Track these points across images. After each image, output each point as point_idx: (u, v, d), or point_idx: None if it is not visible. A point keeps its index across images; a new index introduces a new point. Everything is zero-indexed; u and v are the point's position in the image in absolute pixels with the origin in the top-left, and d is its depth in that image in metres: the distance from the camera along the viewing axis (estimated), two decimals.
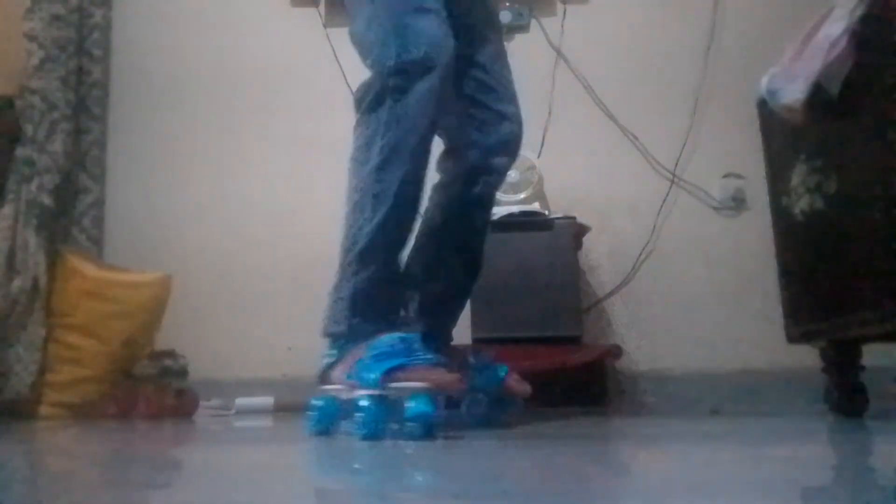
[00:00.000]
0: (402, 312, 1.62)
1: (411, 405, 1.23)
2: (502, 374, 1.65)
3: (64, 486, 0.88)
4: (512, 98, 1.73)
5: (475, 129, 1.67)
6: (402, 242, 1.48)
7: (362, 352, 1.34)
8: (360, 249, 1.42)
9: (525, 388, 1.65)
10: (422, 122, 1.45)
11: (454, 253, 1.69)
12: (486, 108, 1.69)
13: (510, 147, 1.69)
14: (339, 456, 1.21)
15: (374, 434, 1.25)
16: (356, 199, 1.46)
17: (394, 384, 1.27)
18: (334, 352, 1.43)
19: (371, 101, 1.47)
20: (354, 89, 1.53)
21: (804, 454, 1.06)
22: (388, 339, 1.32)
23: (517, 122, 1.70)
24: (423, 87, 1.43)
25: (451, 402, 1.63)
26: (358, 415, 1.27)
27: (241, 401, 2.45)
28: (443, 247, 1.69)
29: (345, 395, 1.37)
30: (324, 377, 1.45)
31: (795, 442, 1.24)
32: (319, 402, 1.42)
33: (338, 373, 1.41)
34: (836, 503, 0.70)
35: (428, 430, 1.25)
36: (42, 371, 2.39)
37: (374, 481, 0.89)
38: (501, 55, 1.78)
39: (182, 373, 2.43)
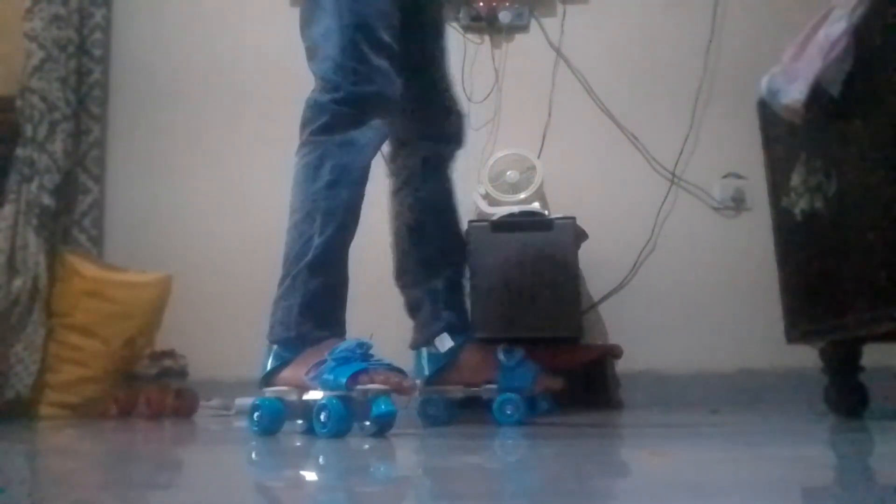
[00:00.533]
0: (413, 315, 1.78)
1: (379, 406, 1.32)
2: (534, 371, 1.70)
3: (64, 486, 0.88)
4: (452, 88, 1.86)
5: (424, 124, 1.78)
6: (347, 253, 1.55)
7: (319, 356, 1.40)
8: (310, 261, 1.48)
9: (558, 382, 1.72)
10: (371, 149, 1.56)
11: (446, 241, 1.79)
12: (432, 103, 1.80)
13: (458, 136, 1.85)
14: (341, 455, 1.21)
15: (339, 432, 1.33)
16: (304, 212, 1.54)
17: (359, 386, 1.34)
18: (287, 355, 1.49)
19: (323, 126, 1.57)
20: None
21: (804, 454, 1.06)
22: (347, 344, 1.39)
23: (460, 112, 1.85)
24: (375, 122, 1.54)
25: (482, 403, 1.68)
26: (323, 414, 1.34)
27: (241, 401, 2.45)
28: (434, 239, 1.78)
29: (294, 396, 1.46)
30: (269, 380, 1.51)
31: (795, 442, 1.24)
32: (266, 403, 1.48)
33: (288, 375, 1.47)
34: (835, 503, 0.70)
35: (389, 427, 1.35)
36: (42, 371, 2.39)
37: (375, 482, 0.89)
38: (445, 50, 1.87)
39: (182, 373, 2.43)
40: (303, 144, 1.62)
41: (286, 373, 1.48)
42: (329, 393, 1.35)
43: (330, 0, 1.61)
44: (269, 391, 1.50)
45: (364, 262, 1.62)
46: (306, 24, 1.68)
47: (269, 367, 1.51)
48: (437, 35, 1.85)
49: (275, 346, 1.52)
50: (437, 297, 1.76)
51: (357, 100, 1.54)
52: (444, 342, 1.72)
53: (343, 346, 1.38)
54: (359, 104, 1.54)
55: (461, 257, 1.90)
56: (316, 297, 1.49)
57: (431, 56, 1.82)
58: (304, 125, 1.62)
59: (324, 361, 1.38)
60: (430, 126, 1.80)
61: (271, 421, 1.47)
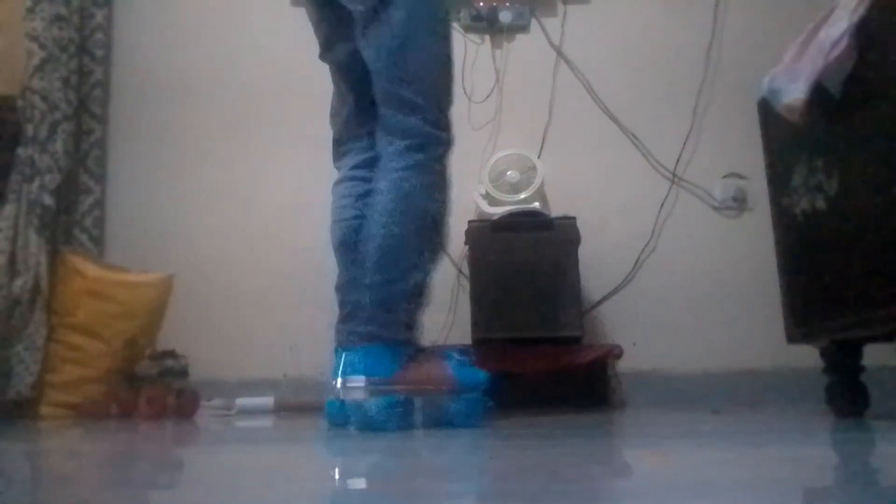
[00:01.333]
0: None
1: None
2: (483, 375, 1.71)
3: (65, 486, 0.88)
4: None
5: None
6: None
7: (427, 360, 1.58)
8: (417, 283, 1.57)
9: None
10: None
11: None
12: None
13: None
14: (342, 455, 1.21)
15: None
16: (418, 235, 1.58)
17: None
18: (407, 355, 1.58)
19: (441, 155, 1.62)
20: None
21: (804, 454, 1.06)
22: (450, 351, 1.62)
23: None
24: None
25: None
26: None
27: (242, 401, 2.45)
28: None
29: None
30: (399, 378, 1.56)
31: (796, 442, 1.24)
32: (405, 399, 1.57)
33: (418, 374, 1.57)
34: (836, 503, 0.70)
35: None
36: (43, 371, 2.39)
37: (376, 483, 0.89)
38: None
39: (183, 373, 2.43)
40: (422, 167, 1.61)
41: (415, 372, 1.55)
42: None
43: (445, 25, 1.66)
44: (402, 388, 1.54)
45: None
46: (412, 46, 1.61)
47: (396, 366, 1.54)
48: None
49: (388, 345, 1.55)
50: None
51: (452, 143, 1.65)
52: None
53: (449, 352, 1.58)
54: (452, 148, 1.65)
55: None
56: (416, 315, 1.60)
57: None
58: (420, 148, 1.60)
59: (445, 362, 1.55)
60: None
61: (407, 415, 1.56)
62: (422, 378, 1.56)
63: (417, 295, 1.59)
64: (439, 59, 1.63)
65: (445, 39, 1.65)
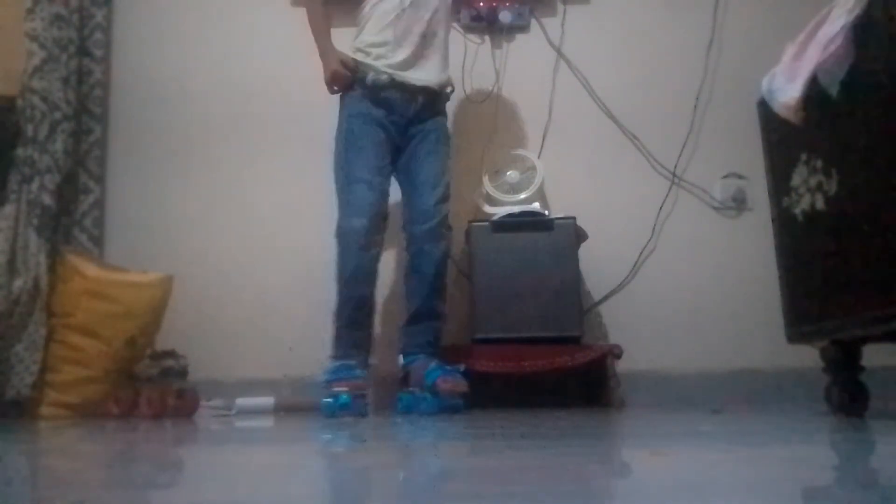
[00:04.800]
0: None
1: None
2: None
3: (65, 486, 0.88)
4: (435, 188, 2.30)
5: (408, 220, 2.30)
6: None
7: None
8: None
9: (461, 384, 2.14)
10: (351, 264, 2.18)
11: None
12: (414, 202, 2.29)
13: (431, 236, 2.25)
14: (341, 455, 1.21)
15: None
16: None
17: None
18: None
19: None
20: None
21: (804, 454, 1.06)
22: None
23: (437, 213, 2.27)
24: (353, 246, 2.17)
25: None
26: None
27: (242, 401, 2.45)
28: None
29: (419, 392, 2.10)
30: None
31: (795, 442, 1.24)
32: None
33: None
34: (836, 503, 0.70)
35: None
36: (43, 371, 2.39)
37: (375, 482, 0.89)
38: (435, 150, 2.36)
39: (183, 373, 2.43)
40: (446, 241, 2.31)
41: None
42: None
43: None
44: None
45: None
46: (449, 172, 2.36)
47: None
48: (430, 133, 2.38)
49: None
50: None
51: (341, 234, 2.23)
52: None
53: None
54: (344, 237, 2.22)
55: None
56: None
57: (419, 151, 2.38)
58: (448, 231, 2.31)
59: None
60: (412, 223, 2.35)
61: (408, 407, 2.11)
62: None
63: None
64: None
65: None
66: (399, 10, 2.25)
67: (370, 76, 2.25)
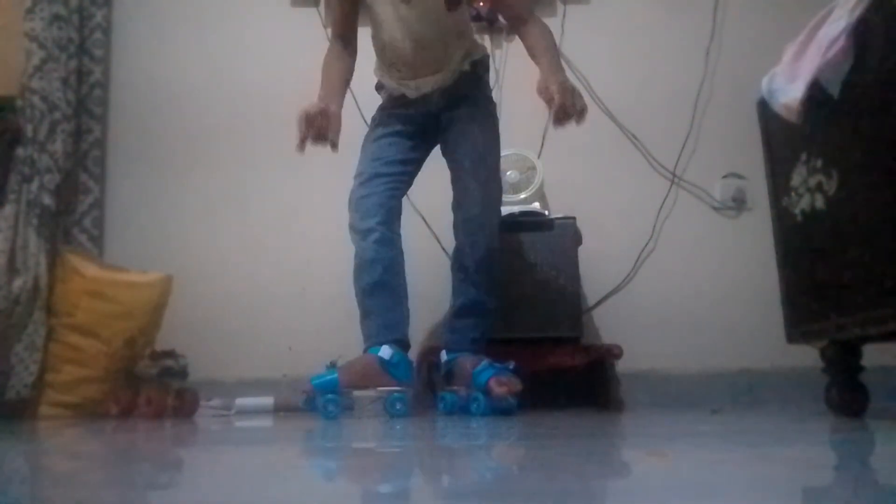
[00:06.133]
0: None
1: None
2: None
3: (65, 486, 0.88)
4: (476, 172, 2.13)
5: (453, 208, 2.13)
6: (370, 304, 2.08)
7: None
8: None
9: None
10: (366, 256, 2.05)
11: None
12: (454, 188, 2.13)
13: (469, 226, 2.09)
14: (340, 455, 1.21)
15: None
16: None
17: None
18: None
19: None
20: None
21: (804, 454, 1.06)
22: None
23: (475, 202, 2.10)
24: (366, 243, 2.05)
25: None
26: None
27: (241, 401, 2.45)
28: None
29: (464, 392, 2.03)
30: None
31: (795, 442, 1.24)
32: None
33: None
34: (836, 503, 0.70)
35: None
36: (43, 371, 2.39)
37: (374, 482, 0.89)
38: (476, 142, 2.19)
39: (182, 373, 2.43)
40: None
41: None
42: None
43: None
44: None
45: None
46: (494, 153, 2.19)
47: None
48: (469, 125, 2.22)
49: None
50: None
51: (354, 232, 2.12)
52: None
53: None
54: (357, 234, 2.11)
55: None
56: None
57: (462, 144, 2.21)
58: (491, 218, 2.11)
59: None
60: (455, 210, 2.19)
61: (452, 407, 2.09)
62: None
63: None
64: None
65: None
66: (385, 43, 2.16)
67: (385, 90, 2.25)
